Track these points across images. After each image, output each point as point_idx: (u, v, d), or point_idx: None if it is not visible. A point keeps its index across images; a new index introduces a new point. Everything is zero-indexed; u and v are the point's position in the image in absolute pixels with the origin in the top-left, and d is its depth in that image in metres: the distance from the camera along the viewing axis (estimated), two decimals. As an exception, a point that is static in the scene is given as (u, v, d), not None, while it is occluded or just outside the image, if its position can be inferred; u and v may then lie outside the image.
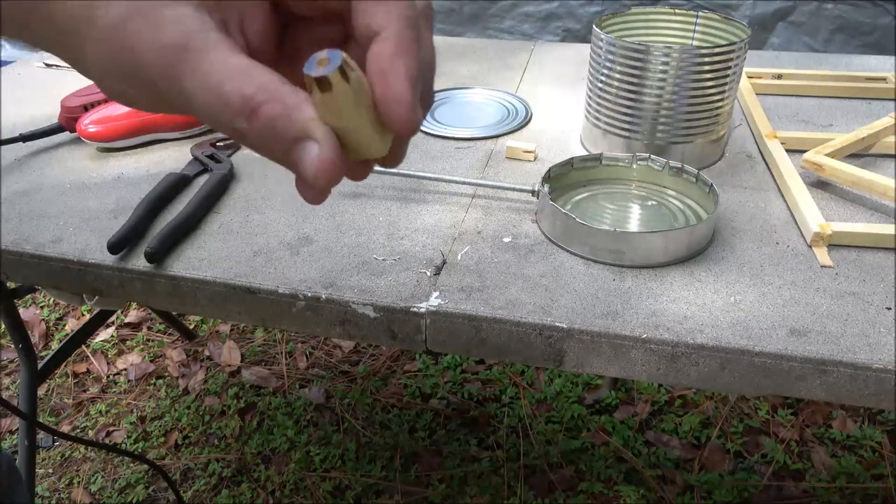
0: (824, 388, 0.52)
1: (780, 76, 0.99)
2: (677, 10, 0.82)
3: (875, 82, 0.96)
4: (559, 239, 0.64)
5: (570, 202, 0.71)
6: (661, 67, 0.71)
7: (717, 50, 0.70)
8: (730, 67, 0.72)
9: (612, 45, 0.73)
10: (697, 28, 0.81)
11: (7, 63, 1.18)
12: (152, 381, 1.67)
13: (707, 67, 0.71)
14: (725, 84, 0.73)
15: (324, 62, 0.23)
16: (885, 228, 0.63)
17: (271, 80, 0.24)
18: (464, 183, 0.74)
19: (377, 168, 0.73)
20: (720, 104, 0.74)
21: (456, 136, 0.86)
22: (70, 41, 0.26)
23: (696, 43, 0.82)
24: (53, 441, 1.50)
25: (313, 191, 0.26)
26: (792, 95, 0.95)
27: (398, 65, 0.24)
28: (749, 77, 0.97)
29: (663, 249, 0.61)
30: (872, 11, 1.57)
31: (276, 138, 0.24)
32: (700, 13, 0.80)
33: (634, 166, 0.73)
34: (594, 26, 0.76)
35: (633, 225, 0.68)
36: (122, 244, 0.64)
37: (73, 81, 1.01)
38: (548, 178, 0.68)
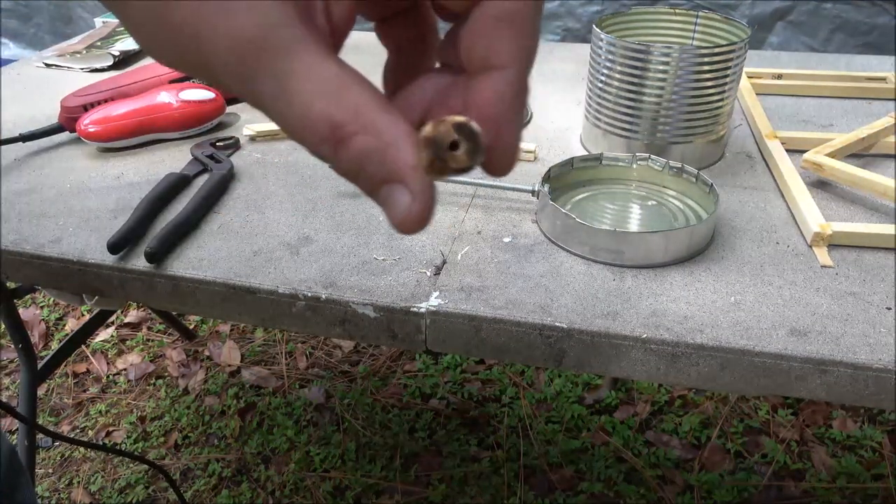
0: (824, 389, 0.52)
1: (780, 76, 0.99)
2: (677, 10, 0.82)
3: (875, 82, 0.96)
4: (559, 239, 0.64)
5: (570, 202, 0.71)
6: (661, 67, 0.71)
7: (717, 50, 0.70)
8: (730, 67, 0.72)
9: (612, 44, 0.73)
10: (697, 28, 0.81)
11: (8, 62, 1.18)
12: (152, 381, 1.67)
13: (707, 67, 0.70)
14: (725, 84, 0.73)
15: (454, 142, 0.20)
16: (885, 228, 0.63)
17: (367, 103, 0.20)
18: (464, 183, 0.74)
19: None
20: (720, 104, 0.74)
21: None
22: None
23: (696, 43, 0.81)
24: (53, 441, 1.50)
25: (398, 228, 0.22)
26: (792, 95, 0.95)
27: (513, 114, 0.22)
28: (749, 77, 0.97)
29: (663, 249, 0.61)
30: (871, 11, 1.57)
31: (364, 175, 0.21)
32: (700, 13, 0.80)
33: (634, 166, 0.73)
34: (594, 26, 0.76)
35: (633, 225, 0.68)
36: (122, 244, 0.64)
37: (74, 81, 1.01)
38: (548, 178, 0.68)
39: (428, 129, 0.21)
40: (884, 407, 0.53)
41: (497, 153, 0.22)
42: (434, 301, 0.58)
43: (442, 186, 0.75)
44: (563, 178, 0.72)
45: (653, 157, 0.72)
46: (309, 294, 0.59)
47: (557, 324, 0.55)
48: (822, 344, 0.52)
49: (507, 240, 0.66)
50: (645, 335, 0.54)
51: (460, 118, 0.21)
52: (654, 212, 0.69)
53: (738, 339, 0.53)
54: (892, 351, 0.51)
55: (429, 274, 0.61)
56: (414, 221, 0.21)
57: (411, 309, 0.57)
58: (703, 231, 0.63)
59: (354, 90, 0.20)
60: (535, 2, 0.22)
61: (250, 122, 0.89)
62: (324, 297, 0.59)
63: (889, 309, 0.55)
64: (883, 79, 0.97)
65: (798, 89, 0.96)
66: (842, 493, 1.32)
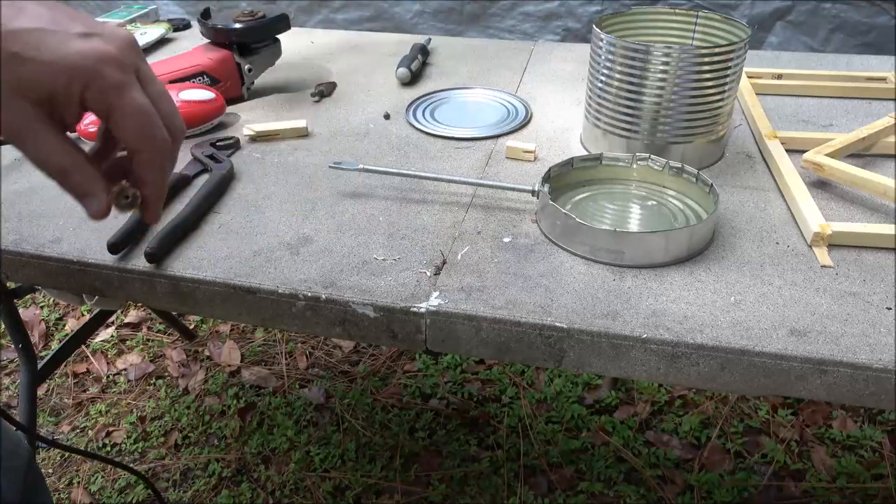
0: (824, 388, 0.52)
1: (780, 76, 0.99)
2: (677, 10, 0.82)
3: (875, 82, 0.96)
4: (559, 239, 0.64)
5: (570, 202, 0.71)
6: (661, 67, 0.71)
7: (717, 50, 0.70)
8: (730, 67, 0.72)
9: (612, 44, 0.73)
10: (697, 28, 0.81)
11: None
12: (152, 381, 1.67)
13: (707, 67, 0.71)
14: (725, 84, 0.73)
15: (125, 195, 0.43)
16: (885, 228, 0.63)
17: (83, 164, 0.40)
18: (464, 183, 0.74)
19: (378, 168, 0.72)
20: (720, 104, 0.74)
21: (456, 136, 0.86)
22: None
23: (696, 43, 0.82)
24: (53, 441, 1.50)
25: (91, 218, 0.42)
26: (792, 95, 0.95)
27: (148, 178, 0.42)
28: (749, 77, 0.97)
29: (663, 249, 0.61)
30: (870, 11, 1.57)
31: (73, 191, 0.41)
32: (700, 13, 0.80)
33: (634, 166, 0.73)
34: (594, 26, 0.76)
35: (633, 225, 0.68)
36: (121, 244, 0.64)
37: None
38: (548, 178, 0.68)
39: (115, 188, 0.42)
40: (884, 407, 0.53)
41: (146, 202, 0.43)
42: (434, 301, 0.58)
43: (442, 186, 0.75)
44: (563, 178, 0.72)
45: (653, 157, 0.72)
46: (309, 294, 0.59)
47: (557, 324, 0.55)
48: (822, 344, 0.52)
49: (507, 240, 0.66)
50: (645, 335, 0.54)
51: (125, 184, 0.43)
52: (654, 212, 0.69)
53: (738, 339, 0.53)
54: (892, 351, 0.51)
55: (429, 274, 0.61)
56: (97, 217, 0.41)
57: (411, 309, 0.57)
58: (703, 231, 0.63)
59: (81, 158, 0.41)
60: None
61: (250, 122, 0.89)
62: (324, 297, 0.59)
63: (889, 309, 0.55)
64: (883, 79, 0.97)
65: (798, 89, 0.96)
66: (842, 493, 1.32)
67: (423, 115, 0.92)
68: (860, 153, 0.78)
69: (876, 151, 0.78)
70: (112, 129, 0.39)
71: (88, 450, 1.49)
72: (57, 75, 0.36)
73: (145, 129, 0.40)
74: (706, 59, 0.70)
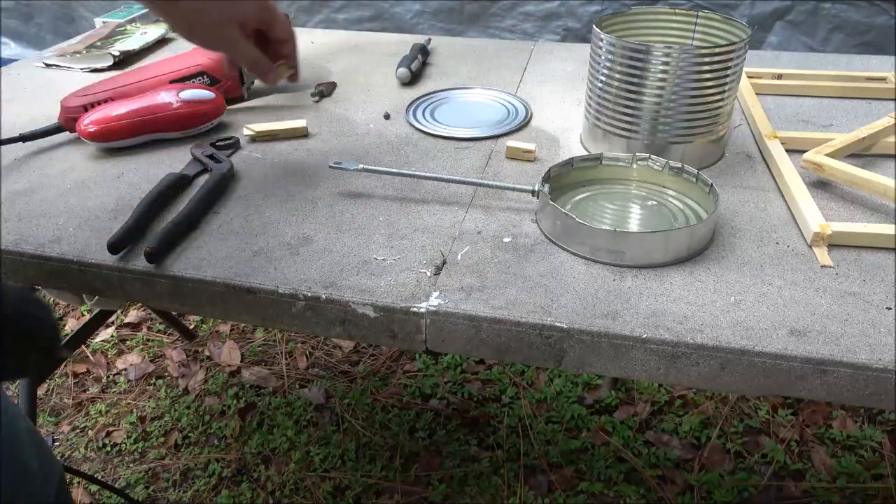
0: (824, 389, 0.52)
1: (780, 76, 0.99)
2: (677, 10, 0.82)
3: (875, 82, 0.96)
4: (559, 239, 0.64)
5: (571, 202, 0.71)
6: (661, 67, 0.71)
7: (717, 50, 0.70)
8: (730, 67, 0.72)
9: (612, 44, 0.73)
10: (697, 28, 0.81)
11: (10, 62, 1.18)
12: (152, 381, 1.67)
13: (707, 67, 0.71)
14: (725, 84, 0.73)
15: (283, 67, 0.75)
16: (885, 228, 0.63)
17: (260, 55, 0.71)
18: (464, 183, 0.74)
19: (379, 168, 0.72)
20: (720, 104, 0.74)
21: (456, 136, 0.86)
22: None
23: (696, 43, 0.81)
24: (53, 441, 1.50)
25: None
26: (792, 95, 0.95)
27: (294, 53, 0.75)
28: (749, 77, 0.97)
29: (663, 249, 0.61)
30: (869, 11, 1.57)
31: (261, 71, 0.72)
32: (700, 13, 0.80)
33: (634, 166, 0.73)
34: (594, 26, 0.76)
35: (633, 225, 0.68)
36: (121, 244, 0.64)
37: (74, 81, 1.01)
38: (548, 178, 0.68)
39: (276, 65, 0.73)
40: (884, 407, 0.53)
41: (295, 68, 0.76)
42: (434, 301, 0.58)
43: (442, 186, 0.75)
44: (563, 178, 0.72)
45: (653, 157, 0.72)
46: (309, 294, 0.59)
47: (557, 324, 0.55)
48: (822, 344, 0.52)
49: (507, 240, 0.66)
50: (645, 335, 0.54)
51: (280, 62, 0.74)
52: (654, 212, 0.69)
53: (738, 339, 0.53)
54: (892, 351, 0.51)
55: (429, 274, 0.61)
56: (273, 82, 0.74)
57: (411, 309, 0.57)
58: (704, 231, 0.63)
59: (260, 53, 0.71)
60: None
61: (250, 122, 0.89)
62: (324, 297, 0.59)
63: (889, 309, 0.55)
64: (883, 79, 0.97)
65: (798, 89, 0.96)
66: (842, 493, 1.32)
67: (423, 115, 0.92)
68: (860, 153, 0.78)
69: (876, 151, 0.78)
70: (275, 32, 0.72)
71: (88, 450, 1.49)
72: (248, 10, 0.69)
73: (289, 28, 0.73)
74: (706, 59, 0.70)
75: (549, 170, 0.69)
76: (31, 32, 2.28)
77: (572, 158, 0.72)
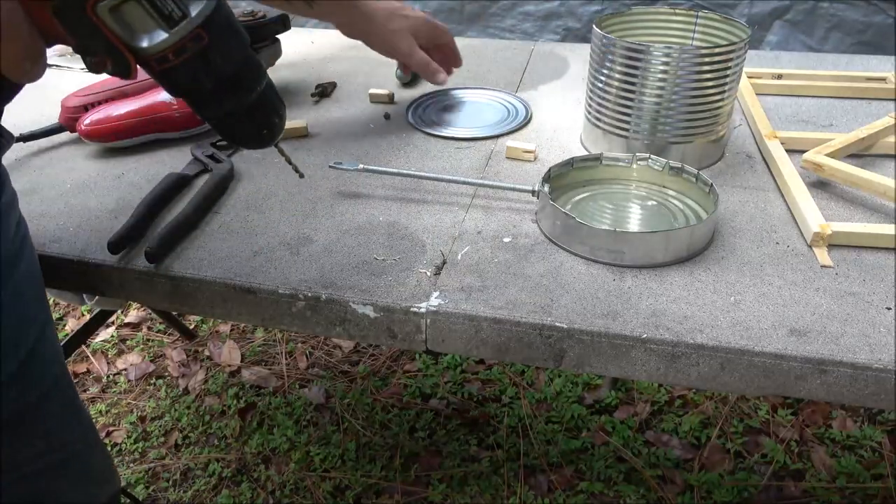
0: (824, 388, 0.52)
1: (780, 76, 0.99)
2: (677, 10, 0.82)
3: (875, 82, 0.96)
4: (559, 239, 0.64)
5: (571, 202, 0.71)
6: (661, 67, 0.71)
7: (717, 50, 0.70)
8: (730, 67, 0.72)
9: (613, 44, 0.73)
10: (697, 28, 0.81)
11: None
12: (152, 381, 1.67)
13: (707, 67, 0.71)
14: (725, 84, 0.73)
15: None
16: (885, 228, 0.63)
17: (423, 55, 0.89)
18: (464, 183, 0.74)
19: (378, 168, 0.72)
20: (720, 104, 0.74)
21: (456, 136, 0.86)
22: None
23: (696, 43, 0.81)
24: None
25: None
26: (792, 95, 0.95)
27: (457, 52, 0.96)
28: (749, 77, 0.97)
29: (663, 249, 0.61)
30: (867, 10, 1.57)
31: (424, 70, 0.89)
32: (700, 13, 0.80)
33: (634, 166, 0.73)
34: (594, 26, 0.76)
35: (633, 225, 0.68)
36: (122, 244, 0.64)
37: (74, 81, 1.01)
38: (548, 178, 0.68)
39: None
40: (884, 407, 0.53)
41: (457, 63, 0.97)
42: (434, 301, 0.58)
43: (442, 186, 0.75)
44: (563, 178, 0.72)
45: (653, 157, 0.72)
46: (309, 294, 0.59)
47: (557, 324, 0.55)
48: (821, 344, 0.52)
49: (507, 240, 0.66)
50: (645, 335, 0.54)
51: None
52: (653, 212, 0.69)
53: (738, 339, 0.53)
54: (892, 351, 0.51)
55: (429, 274, 0.61)
56: (443, 83, 0.91)
57: (411, 309, 0.57)
58: (703, 231, 0.63)
59: (429, 58, 0.90)
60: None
61: (250, 122, 0.88)
62: (324, 297, 0.59)
63: (889, 309, 0.55)
64: (883, 79, 0.97)
65: (798, 89, 0.96)
66: (842, 493, 1.32)
67: (423, 115, 0.92)
68: (860, 153, 0.78)
69: (876, 151, 0.78)
70: (438, 39, 0.91)
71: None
72: (418, 22, 0.87)
73: (450, 37, 0.92)
74: (706, 59, 0.70)
75: (550, 170, 0.69)
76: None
77: (572, 158, 0.72)
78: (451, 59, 0.94)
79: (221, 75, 0.50)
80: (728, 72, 0.72)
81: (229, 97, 0.52)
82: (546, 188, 0.66)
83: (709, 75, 0.71)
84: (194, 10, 0.46)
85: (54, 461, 0.62)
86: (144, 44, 0.46)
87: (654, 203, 0.71)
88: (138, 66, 0.47)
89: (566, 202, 0.70)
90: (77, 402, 0.66)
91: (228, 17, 0.49)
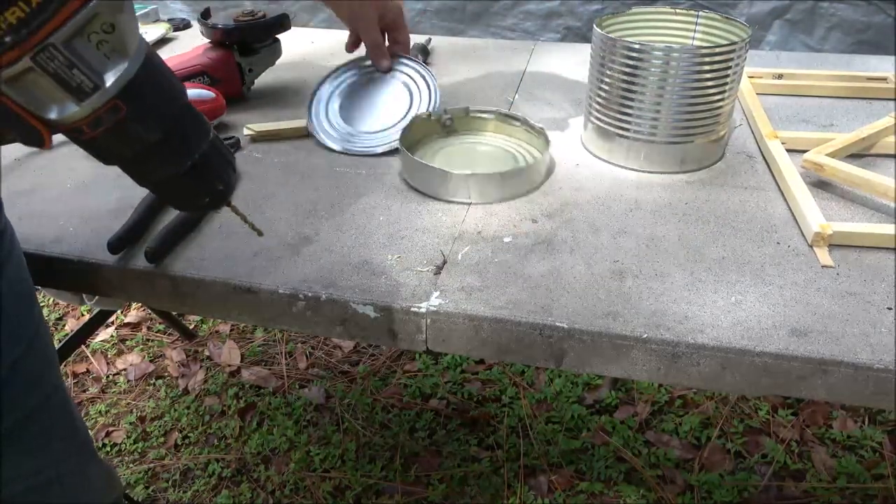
0: (825, 389, 0.52)
1: (780, 76, 0.99)
2: (678, 10, 0.82)
3: (875, 82, 0.96)
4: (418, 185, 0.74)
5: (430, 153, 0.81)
6: (661, 67, 0.71)
7: (717, 50, 0.70)
8: (730, 67, 0.72)
9: (613, 44, 0.73)
10: (698, 28, 0.81)
11: None
12: (152, 381, 1.67)
13: (707, 67, 0.70)
14: (726, 84, 0.73)
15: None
16: (886, 228, 0.63)
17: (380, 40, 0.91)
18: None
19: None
20: (720, 104, 0.74)
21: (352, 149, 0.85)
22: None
23: (696, 42, 0.81)
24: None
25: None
26: (792, 95, 0.95)
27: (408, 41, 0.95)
28: (749, 77, 0.97)
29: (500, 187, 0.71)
30: (867, 10, 1.57)
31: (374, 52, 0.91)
32: (701, 13, 0.80)
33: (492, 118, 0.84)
34: (594, 26, 0.76)
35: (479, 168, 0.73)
36: (122, 244, 0.64)
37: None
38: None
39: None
40: (884, 407, 0.53)
41: (406, 51, 0.94)
42: (434, 301, 0.58)
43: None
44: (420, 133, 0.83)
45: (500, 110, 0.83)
46: (309, 294, 0.59)
47: (558, 324, 0.55)
48: (822, 344, 0.52)
49: (507, 240, 0.66)
50: (646, 335, 0.53)
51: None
52: (497, 157, 0.81)
53: (739, 339, 0.53)
54: (893, 351, 0.51)
55: (429, 274, 0.61)
56: (387, 71, 0.92)
57: (411, 309, 0.57)
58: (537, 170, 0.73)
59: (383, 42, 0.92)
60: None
61: (250, 122, 0.88)
62: (324, 297, 0.59)
63: (889, 309, 0.55)
64: (883, 79, 0.97)
65: (798, 89, 0.96)
66: (842, 493, 1.32)
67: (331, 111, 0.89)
68: (860, 153, 0.78)
69: (876, 151, 0.78)
70: (395, 32, 0.92)
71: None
72: (388, 8, 0.89)
73: (406, 29, 0.93)
74: (707, 59, 0.70)
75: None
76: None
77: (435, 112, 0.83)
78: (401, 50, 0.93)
79: (146, 143, 0.45)
80: (728, 72, 0.72)
81: (158, 165, 0.47)
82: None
83: (709, 75, 0.71)
84: (110, 80, 0.41)
85: (41, 481, 0.61)
86: (53, 115, 0.41)
87: (498, 149, 0.81)
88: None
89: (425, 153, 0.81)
90: (69, 419, 0.64)
91: (155, 77, 0.44)
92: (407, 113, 0.85)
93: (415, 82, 0.89)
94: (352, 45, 0.95)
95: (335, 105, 0.89)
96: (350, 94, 0.90)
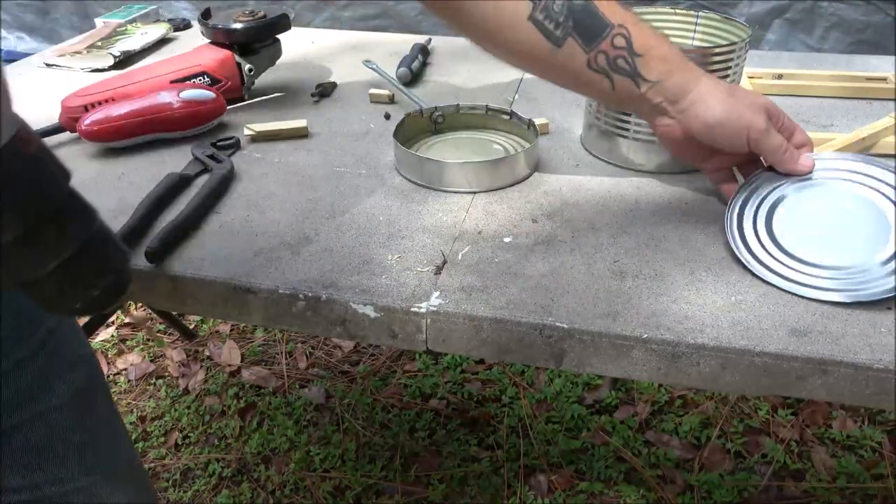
0: (825, 389, 0.52)
1: (780, 76, 0.99)
2: (677, 10, 0.82)
3: (875, 82, 0.96)
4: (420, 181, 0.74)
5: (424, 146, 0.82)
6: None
7: (717, 50, 0.70)
8: (730, 67, 0.72)
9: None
10: (698, 28, 0.81)
11: (26, 55, 1.18)
12: (152, 381, 1.67)
13: (708, 68, 0.70)
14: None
15: None
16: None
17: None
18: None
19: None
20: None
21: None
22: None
23: (696, 43, 0.81)
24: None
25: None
26: (792, 95, 0.95)
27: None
28: (749, 77, 0.97)
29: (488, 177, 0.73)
30: (866, 9, 1.58)
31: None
32: (700, 13, 0.80)
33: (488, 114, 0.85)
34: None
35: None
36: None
37: (74, 81, 1.01)
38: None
39: None
40: (884, 407, 0.53)
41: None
42: (434, 301, 0.58)
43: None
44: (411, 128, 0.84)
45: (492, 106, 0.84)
46: (309, 294, 0.59)
47: (558, 324, 0.55)
48: (822, 344, 0.52)
49: (507, 240, 0.66)
50: (645, 335, 0.54)
51: None
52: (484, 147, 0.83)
53: (739, 339, 0.53)
54: (893, 351, 0.51)
55: (429, 273, 0.61)
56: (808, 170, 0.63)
57: (411, 309, 0.57)
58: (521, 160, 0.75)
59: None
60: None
61: (250, 122, 0.88)
62: (324, 297, 0.59)
63: (889, 309, 0.55)
64: (883, 79, 0.97)
65: (798, 89, 0.96)
66: (842, 493, 1.32)
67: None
68: (861, 153, 0.78)
69: (876, 151, 0.78)
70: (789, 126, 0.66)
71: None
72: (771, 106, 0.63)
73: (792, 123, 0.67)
74: (706, 60, 0.70)
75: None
76: (46, 27, 2.30)
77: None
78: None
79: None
80: (728, 72, 0.72)
81: (16, 266, 0.41)
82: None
83: (713, 75, 0.71)
84: None
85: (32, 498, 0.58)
86: None
87: (487, 142, 0.83)
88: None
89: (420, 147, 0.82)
90: (79, 435, 0.60)
91: (22, 165, 0.39)
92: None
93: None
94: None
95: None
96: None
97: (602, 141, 0.79)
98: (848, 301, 0.55)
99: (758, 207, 0.63)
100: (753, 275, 0.58)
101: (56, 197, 0.41)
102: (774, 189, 0.63)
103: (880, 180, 0.61)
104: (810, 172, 0.63)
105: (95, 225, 0.44)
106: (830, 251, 0.58)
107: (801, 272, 0.57)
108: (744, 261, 0.59)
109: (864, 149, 0.77)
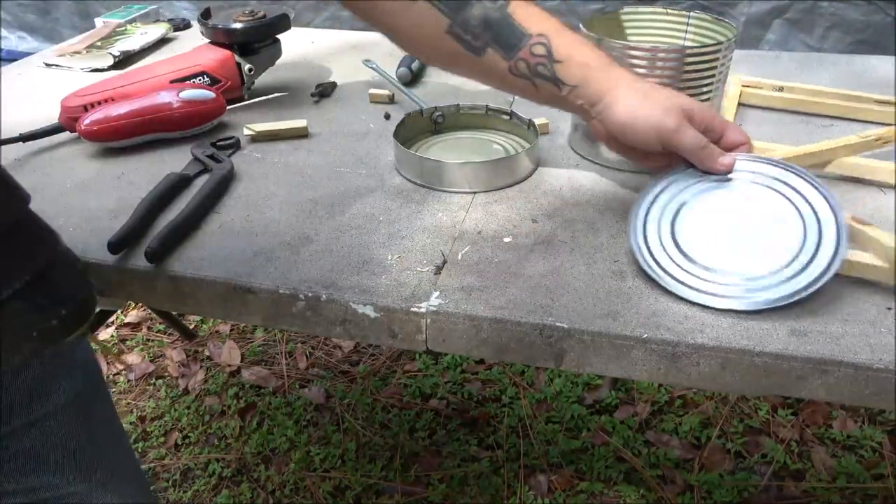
0: (825, 389, 0.52)
1: (781, 88, 0.95)
2: (669, 10, 0.81)
3: (884, 106, 0.87)
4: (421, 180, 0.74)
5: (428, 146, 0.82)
6: (646, 68, 0.71)
7: (702, 50, 0.70)
8: (716, 67, 0.71)
9: (597, 44, 0.72)
10: (689, 28, 0.81)
11: (27, 55, 1.18)
12: (152, 381, 1.67)
13: (692, 67, 0.70)
14: (711, 84, 0.72)
15: None
16: (881, 234, 0.63)
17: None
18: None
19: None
20: (707, 103, 0.74)
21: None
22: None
23: (687, 43, 0.81)
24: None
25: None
26: (794, 112, 0.90)
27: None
28: (747, 86, 0.93)
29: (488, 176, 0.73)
30: (866, 9, 1.58)
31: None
32: (692, 13, 0.80)
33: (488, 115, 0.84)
34: (580, 25, 0.75)
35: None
36: (122, 244, 0.64)
37: (74, 81, 1.01)
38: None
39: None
40: (884, 407, 0.53)
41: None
42: (434, 301, 0.58)
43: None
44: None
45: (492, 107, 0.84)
46: (309, 294, 0.59)
47: (558, 324, 0.55)
48: (822, 344, 0.52)
49: (507, 240, 0.66)
50: (645, 335, 0.53)
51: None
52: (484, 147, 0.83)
53: (739, 339, 0.53)
54: (893, 351, 0.51)
55: (429, 274, 0.61)
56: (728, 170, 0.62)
57: (411, 309, 0.57)
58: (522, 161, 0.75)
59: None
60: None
61: (250, 122, 0.88)
62: (324, 297, 0.59)
63: (889, 309, 0.55)
64: (893, 103, 0.88)
65: (800, 104, 0.89)
66: (842, 493, 1.32)
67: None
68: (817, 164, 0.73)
69: (832, 170, 0.72)
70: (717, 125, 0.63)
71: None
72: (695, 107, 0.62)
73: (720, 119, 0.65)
74: (691, 59, 0.70)
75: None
76: (47, 27, 2.30)
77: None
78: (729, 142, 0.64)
79: None
80: (714, 72, 0.72)
81: None
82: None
83: (694, 75, 0.71)
84: None
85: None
86: None
87: (487, 142, 0.83)
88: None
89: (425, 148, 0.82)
90: (76, 440, 0.59)
91: None
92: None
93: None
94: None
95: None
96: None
97: (586, 142, 0.79)
98: (744, 309, 0.54)
99: (664, 207, 0.62)
100: (653, 280, 0.57)
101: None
102: (683, 190, 0.62)
103: (793, 188, 0.60)
104: (729, 172, 0.61)
105: (59, 248, 0.42)
106: (730, 256, 0.57)
107: (699, 277, 0.56)
108: (644, 266, 0.58)
109: (816, 165, 0.71)
